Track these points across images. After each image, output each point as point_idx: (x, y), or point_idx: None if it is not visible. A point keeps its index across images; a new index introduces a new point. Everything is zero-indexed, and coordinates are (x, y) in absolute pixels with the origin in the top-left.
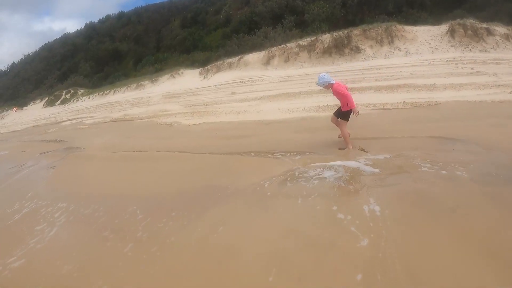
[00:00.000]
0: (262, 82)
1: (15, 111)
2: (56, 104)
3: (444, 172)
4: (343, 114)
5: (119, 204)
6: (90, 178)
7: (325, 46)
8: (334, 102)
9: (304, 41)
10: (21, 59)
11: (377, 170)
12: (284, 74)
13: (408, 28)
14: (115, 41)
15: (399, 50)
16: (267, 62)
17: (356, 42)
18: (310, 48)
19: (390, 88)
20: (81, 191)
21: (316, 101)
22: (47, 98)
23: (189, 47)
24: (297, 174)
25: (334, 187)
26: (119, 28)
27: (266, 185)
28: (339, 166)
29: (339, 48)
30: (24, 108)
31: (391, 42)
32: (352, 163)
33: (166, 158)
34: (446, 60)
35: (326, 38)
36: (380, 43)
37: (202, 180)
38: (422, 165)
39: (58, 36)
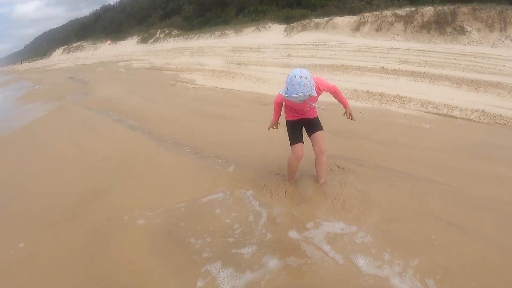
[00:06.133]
0: (336, 48)
1: (108, 44)
2: (148, 42)
3: None
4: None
5: None
6: None
7: (424, 19)
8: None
9: (402, 11)
10: None
11: None
12: (368, 44)
13: None
14: None
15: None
16: (357, 28)
17: (461, 21)
18: (408, 19)
19: (476, 84)
20: None
21: (363, 82)
22: (141, 36)
23: (292, 2)
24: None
25: None
26: None
27: None
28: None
29: (440, 25)
30: (118, 42)
31: (503, 28)
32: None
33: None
34: None
35: (428, 11)
36: (490, 27)
37: None
38: None
39: None
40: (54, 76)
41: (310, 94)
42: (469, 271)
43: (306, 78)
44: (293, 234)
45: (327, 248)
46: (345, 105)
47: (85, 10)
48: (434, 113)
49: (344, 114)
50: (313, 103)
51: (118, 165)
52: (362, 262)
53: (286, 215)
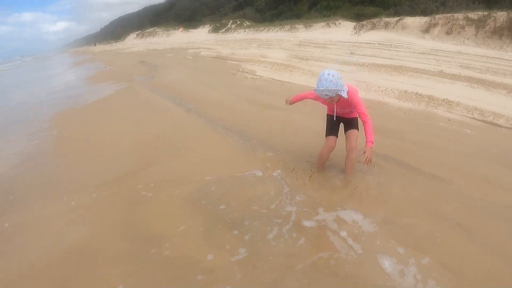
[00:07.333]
0: (401, 49)
1: (181, 31)
2: (220, 31)
3: None
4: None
5: None
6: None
7: (496, 25)
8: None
9: (474, 14)
10: None
11: None
12: (435, 47)
13: None
14: None
15: None
16: (427, 30)
17: None
18: (479, 24)
19: None
20: None
21: (417, 84)
22: (213, 25)
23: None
24: None
25: None
26: None
27: None
28: None
29: None
30: (190, 30)
31: None
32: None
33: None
34: None
35: (501, 16)
36: None
37: None
38: None
39: None
40: (126, 59)
41: (337, 91)
42: (465, 272)
43: (333, 76)
44: (304, 215)
45: (339, 233)
46: (366, 140)
47: None
48: (478, 120)
49: (361, 154)
50: (345, 108)
51: (168, 141)
52: (362, 248)
53: (304, 197)
